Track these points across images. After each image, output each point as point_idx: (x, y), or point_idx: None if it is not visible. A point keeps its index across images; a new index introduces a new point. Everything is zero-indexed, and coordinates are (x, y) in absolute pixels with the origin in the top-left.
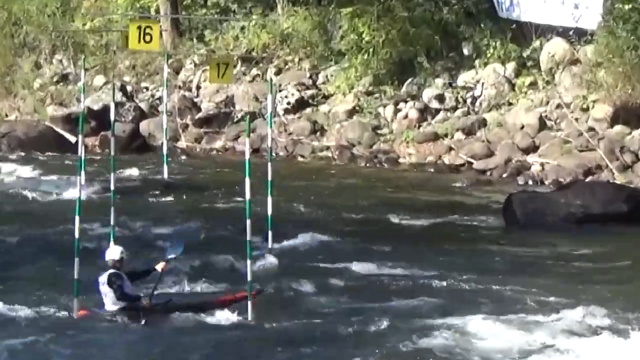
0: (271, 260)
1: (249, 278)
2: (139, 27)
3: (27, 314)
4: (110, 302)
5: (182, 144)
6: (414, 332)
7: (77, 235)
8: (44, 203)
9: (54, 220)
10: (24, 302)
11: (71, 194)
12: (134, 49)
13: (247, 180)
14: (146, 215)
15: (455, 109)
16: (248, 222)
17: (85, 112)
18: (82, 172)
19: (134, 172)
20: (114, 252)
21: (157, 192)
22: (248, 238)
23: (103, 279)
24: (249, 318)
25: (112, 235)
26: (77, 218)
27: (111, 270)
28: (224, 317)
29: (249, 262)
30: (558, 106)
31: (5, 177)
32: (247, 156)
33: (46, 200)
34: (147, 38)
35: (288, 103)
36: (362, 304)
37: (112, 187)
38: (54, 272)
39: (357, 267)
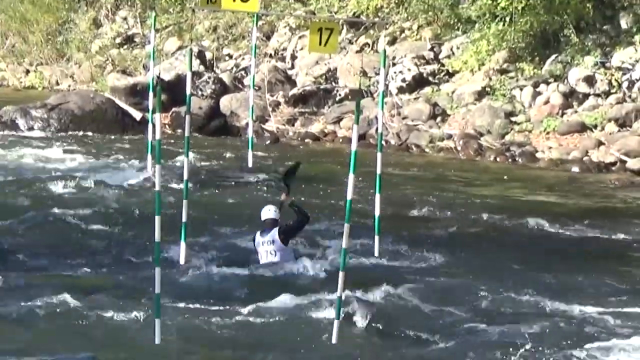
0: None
1: (338, 293)
2: None
3: (98, 337)
4: (278, 260)
5: (272, 125)
6: None
7: (157, 238)
8: (101, 194)
9: (111, 216)
10: (93, 322)
11: (132, 181)
12: (226, 8)
13: (351, 177)
14: (223, 211)
15: (607, 94)
16: (346, 227)
17: (154, 83)
18: (149, 156)
19: (211, 158)
20: (271, 210)
21: (238, 184)
22: (344, 246)
23: (269, 237)
24: (334, 341)
25: (183, 234)
26: (157, 218)
27: (276, 228)
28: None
29: (341, 274)
30: None
31: (53, 162)
32: (354, 146)
33: (104, 190)
34: None
35: (403, 80)
36: (481, 327)
37: (185, 176)
38: (121, 280)
39: (478, 282)
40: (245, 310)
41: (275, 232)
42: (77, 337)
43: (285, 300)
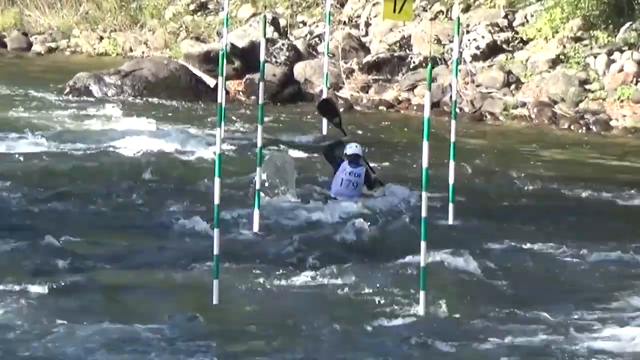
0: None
1: (422, 263)
2: None
3: (159, 298)
4: (356, 193)
5: (346, 93)
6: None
7: (216, 200)
8: (174, 160)
9: (185, 183)
10: (153, 283)
11: (208, 150)
12: None
13: (426, 145)
14: (298, 179)
15: None
16: (424, 195)
17: (227, 50)
18: (222, 124)
19: (285, 125)
20: (358, 147)
21: (312, 151)
22: (424, 215)
23: (358, 170)
24: (420, 312)
25: (257, 201)
26: (217, 180)
27: (363, 167)
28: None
29: (423, 243)
30: None
31: (127, 128)
32: (427, 113)
33: (178, 157)
34: None
35: (477, 48)
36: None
37: (259, 144)
38: (187, 245)
39: (557, 253)
40: (318, 275)
41: (363, 170)
42: (137, 299)
43: (359, 267)
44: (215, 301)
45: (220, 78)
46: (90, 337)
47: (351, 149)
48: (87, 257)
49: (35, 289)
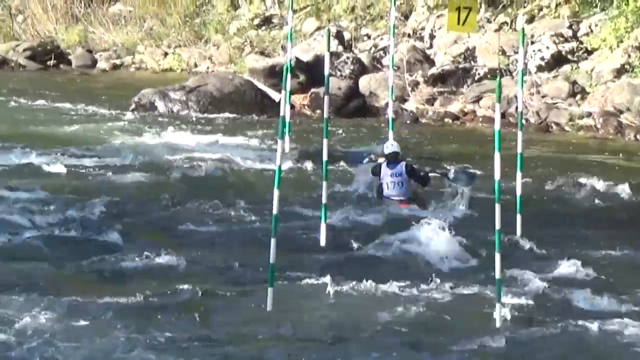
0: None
1: (497, 275)
2: None
3: (215, 305)
4: (404, 191)
5: (411, 105)
6: None
7: (275, 211)
8: (239, 174)
9: (248, 195)
10: (212, 290)
11: (273, 163)
12: None
13: (497, 156)
14: (362, 197)
15: None
16: (497, 207)
17: (292, 64)
18: (286, 137)
19: (350, 139)
20: (394, 145)
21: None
22: (497, 227)
23: (397, 170)
24: (497, 324)
25: (323, 215)
26: (275, 192)
27: (403, 163)
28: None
29: (497, 255)
30: None
31: (193, 142)
32: (497, 125)
33: (242, 170)
34: None
35: (542, 58)
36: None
37: (324, 157)
38: (246, 255)
39: (625, 262)
40: (379, 286)
41: (402, 166)
42: (192, 304)
43: (425, 278)
44: (269, 308)
45: (284, 92)
46: (145, 342)
47: (389, 148)
48: (147, 264)
49: (101, 298)
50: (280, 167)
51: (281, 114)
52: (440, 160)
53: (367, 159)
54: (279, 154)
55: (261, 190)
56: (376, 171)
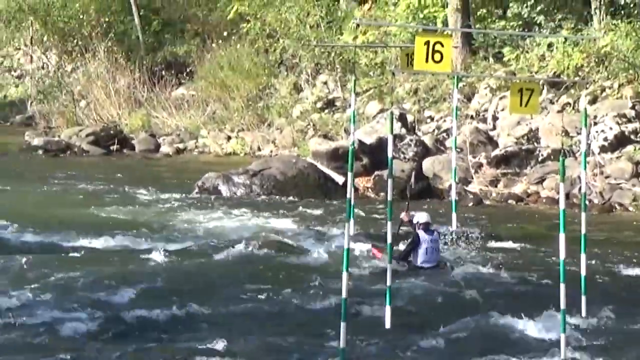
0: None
1: (562, 356)
2: (427, 43)
3: None
4: (438, 256)
5: (474, 187)
6: None
7: (344, 294)
8: (303, 256)
9: (313, 277)
10: None
11: (336, 245)
12: (420, 69)
13: (562, 237)
14: (427, 276)
15: None
16: (562, 287)
17: (355, 147)
18: (351, 220)
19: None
20: (428, 215)
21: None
22: (562, 307)
23: (434, 236)
24: None
25: (388, 297)
26: (344, 275)
27: (436, 231)
28: None
29: (562, 336)
30: None
31: (256, 225)
32: (562, 205)
33: (306, 252)
34: (437, 57)
35: (605, 139)
36: None
37: (389, 240)
38: (313, 339)
39: None
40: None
41: (437, 234)
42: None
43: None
44: (342, 344)
45: (349, 174)
46: None
47: (423, 217)
48: (210, 347)
49: None
50: (348, 249)
51: (347, 196)
52: (503, 241)
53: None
54: (347, 237)
55: (325, 272)
56: (415, 241)
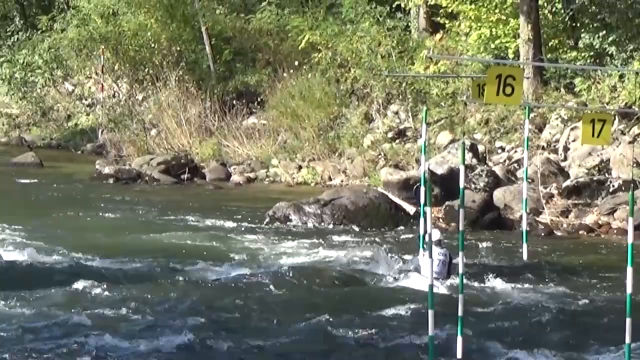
0: None
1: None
2: (499, 76)
3: None
4: (445, 268)
5: (545, 218)
6: None
7: (430, 332)
8: (375, 287)
9: (386, 310)
10: None
11: (410, 279)
12: (490, 101)
13: (630, 270)
14: (498, 306)
15: None
16: (628, 321)
17: (427, 177)
18: (421, 250)
19: (485, 252)
20: (438, 232)
21: (513, 277)
22: (627, 341)
23: (443, 250)
24: None
25: (460, 327)
26: (430, 312)
27: (445, 248)
28: None
29: None
30: None
31: (328, 255)
32: (631, 239)
33: (377, 284)
34: (508, 90)
35: None
36: None
37: (460, 270)
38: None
39: None
40: None
41: (447, 250)
42: None
43: None
44: None
45: (428, 208)
46: None
47: (435, 234)
48: None
49: None
50: (432, 286)
51: (421, 231)
52: (572, 272)
53: None
54: (430, 271)
55: (397, 304)
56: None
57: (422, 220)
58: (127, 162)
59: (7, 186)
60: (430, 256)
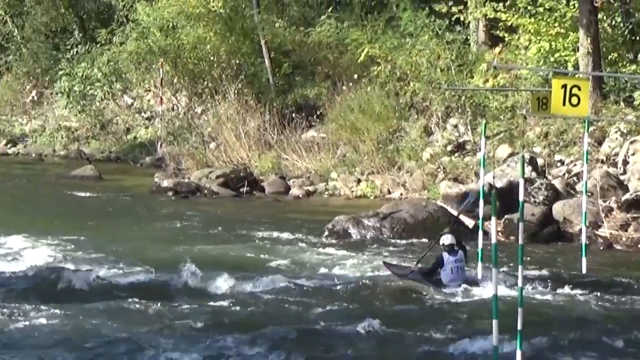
0: None
1: None
2: (564, 87)
3: None
4: (464, 274)
5: (605, 231)
6: None
7: (494, 342)
8: (433, 301)
9: (446, 324)
10: None
11: (469, 290)
12: (556, 113)
13: None
14: (557, 319)
15: None
16: None
17: (485, 190)
18: (479, 263)
19: (544, 265)
20: (452, 237)
21: (571, 290)
22: None
23: (459, 257)
24: None
25: (519, 343)
26: (494, 322)
27: (461, 251)
28: None
29: None
30: None
31: (383, 268)
32: None
33: (435, 297)
34: (574, 100)
35: None
36: None
37: (519, 283)
38: None
39: None
40: None
41: (462, 253)
42: None
43: None
44: None
45: (494, 219)
46: None
47: (447, 239)
48: None
49: None
50: (496, 295)
51: (493, 241)
52: (633, 287)
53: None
54: (494, 283)
55: (457, 315)
56: (439, 262)
57: (480, 233)
58: (186, 175)
59: (66, 199)
60: (495, 266)
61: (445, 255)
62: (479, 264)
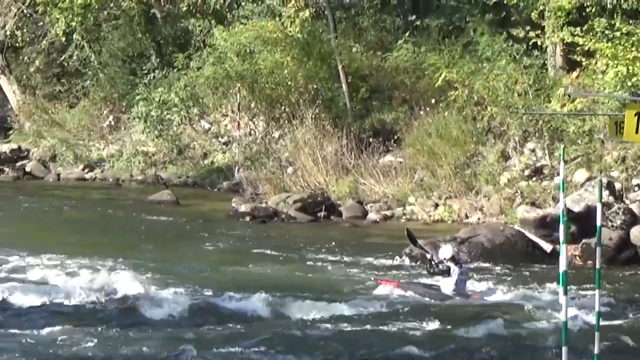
0: None
1: None
2: (637, 114)
3: None
4: (465, 287)
5: None
6: None
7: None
8: (511, 323)
9: (524, 350)
10: None
11: (546, 315)
12: (629, 140)
13: None
14: (635, 344)
15: None
16: None
17: (565, 214)
18: (560, 288)
19: (621, 289)
20: (450, 247)
21: None
22: None
23: (464, 269)
24: None
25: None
26: (564, 349)
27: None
28: None
29: None
30: None
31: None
32: None
33: (513, 320)
34: None
35: None
36: None
37: (596, 308)
38: None
39: None
40: None
41: (466, 267)
42: None
43: None
44: None
45: (563, 245)
46: None
47: (448, 251)
48: None
49: None
50: (566, 322)
51: (561, 269)
52: None
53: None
54: (564, 310)
55: (531, 341)
56: (448, 270)
57: (561, 257)
58: (263, 200)
59: (144, 223)
60: (565, 293)
61: (452, 265)
62: (560, 288)
